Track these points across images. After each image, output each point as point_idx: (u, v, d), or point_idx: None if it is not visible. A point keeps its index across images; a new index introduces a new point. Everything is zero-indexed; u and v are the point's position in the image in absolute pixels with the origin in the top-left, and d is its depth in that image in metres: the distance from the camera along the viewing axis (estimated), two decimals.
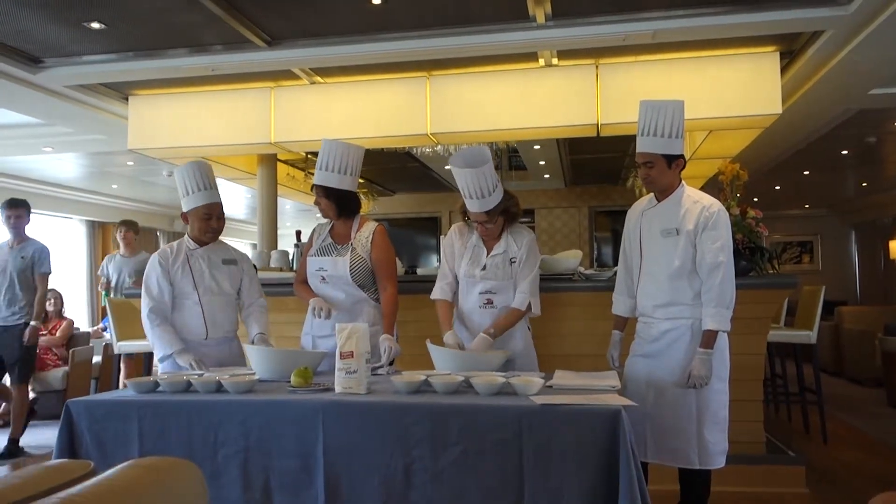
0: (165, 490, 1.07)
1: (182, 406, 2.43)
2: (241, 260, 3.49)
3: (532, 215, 12.40)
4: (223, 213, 3.38)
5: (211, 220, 3.33)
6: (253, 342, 3.31)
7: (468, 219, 3.27)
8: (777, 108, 5.02)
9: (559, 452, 2.12)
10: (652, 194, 3.08)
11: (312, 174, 9.41)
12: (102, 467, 1.16)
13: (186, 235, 3.40)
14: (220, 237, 3.47)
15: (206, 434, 2.37)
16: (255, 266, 3.65)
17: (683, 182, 3.02)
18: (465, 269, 3.27)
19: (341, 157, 3.37)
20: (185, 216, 3.37)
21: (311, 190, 3.45)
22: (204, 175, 3.31)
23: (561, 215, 12.48)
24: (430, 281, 3.44)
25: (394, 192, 12.42)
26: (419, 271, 4.73)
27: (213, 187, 3.33)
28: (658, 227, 2.98)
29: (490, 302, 3.23)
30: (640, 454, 2.14)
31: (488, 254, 3.25)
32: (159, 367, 3.30)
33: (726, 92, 5.04)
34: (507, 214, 3.23)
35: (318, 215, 3.58)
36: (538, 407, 2.17)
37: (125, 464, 1.09)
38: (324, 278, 3.36)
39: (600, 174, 10.93)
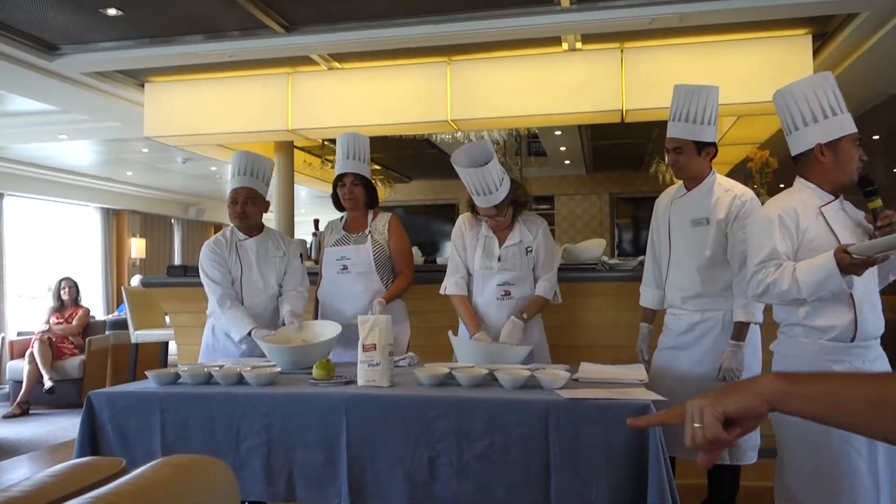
0: (196, 488, 1.08)
1: (204, 398, 2.45)
2: (288, 251, 3.51)
3: (552, 202, 12.36)
4: (254, 200, 3.40)
5: (236, 204, 3.38)
6: (283, 322, 3.34)
7: (476, 213, 3.24)
8: None
9: (587, 447, 2.12)
10: (681, 183, 3.05)
11: (329, 161, 9.44)
12: (124, 459, 1.18)
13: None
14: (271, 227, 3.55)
15: (228, 427, 2.39)
16: (301, 255, 3.65)
17: (714, 170, 2.99)
18: (479, 261, 3.22)
19: (361, 146, 3.48)
20: None
21: (341, 181, 3.46)
22: (243, 161, 3.40)
23: (581, 202, 12.42)
24: None
25: (410, 179, 12.41)
26: (439, 260, 4.73)
27: (247, 174, 3.39)
28: (688, 216, 2.95)
29: (508, 294, 3.19)
30: (669, 449, 2.12)
31: (501, 244, 3.22)
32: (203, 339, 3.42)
33: (756, 76, 4.96)
34: (515, 204, 3.19)
35: (331, 205, 3.61)
36: (565, 401, 2.16)
37: (155, 462, 1.10)
38: (345, 266, 3.39)
39: (623, 160, 10.85)
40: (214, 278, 3.32)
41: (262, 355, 3.19)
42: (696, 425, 1.01)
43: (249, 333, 3.20)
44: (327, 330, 3.18)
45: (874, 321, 2.42)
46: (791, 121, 2.51)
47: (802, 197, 2.47)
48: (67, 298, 7.39)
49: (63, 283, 7.43)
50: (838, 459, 2.33)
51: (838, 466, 2.33)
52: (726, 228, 2.86)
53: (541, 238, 3.22)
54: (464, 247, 3.30)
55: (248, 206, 3.38)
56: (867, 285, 2.40)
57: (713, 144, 2.93)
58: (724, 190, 2.91)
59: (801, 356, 2.46)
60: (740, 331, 2.82)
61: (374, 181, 3.60)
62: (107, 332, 7.52)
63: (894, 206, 2.41)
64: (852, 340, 2.39)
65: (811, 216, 2.43)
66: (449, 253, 3.40)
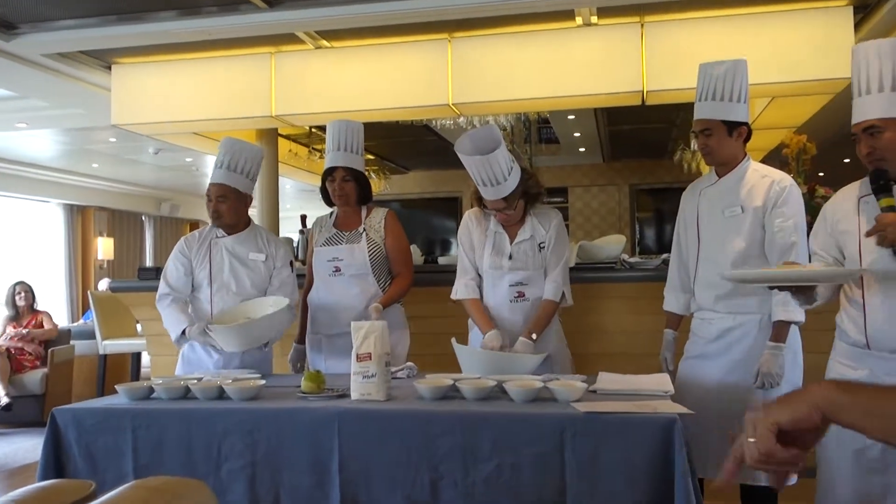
0: None
1: (181, 415, 2.45)
2: (274, 255, 3.47)
3: (565, 194, 12.36)
4: (225, 198, 3.38)
5: (211, 201, 3.39)
6: None
7: (484, 206, 3.25)
8: (849, 70, 4.91)
9: (606, 467, 2.11)
10: (711, 170, 3.04)
11: (317, 150, 9.43)
12: (93, 482, 1.17)
13: None
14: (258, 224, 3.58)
15: (208, 446, 2.38)
16: (292, 261, 3.61)
17: (748, 155, 2.98)
18: (488, 260, 3.23)
19: (354, 135, 3.46)
20: None
21: (331, 175, 3.45)
22: (222, 153, 3.40)
23: (598, 194, 12.42)
24: (453, 271, 3.42)
25: (408, 170, 12.40)
26: (441, 260, 4.73)
27: (224, 167, 3.38)
28: (720, 205, 2.94)
29: (522, 295, 3.20)
30: (698, 469, 2.12)
31: (512, 241, 3.22)
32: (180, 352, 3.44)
33: (791, 53, 4.95)
34: (527, 196, 3.20)
35: (319, 199, 3.60)
36: (582, 415, 2.16)
37: (128, 485, 1.09)
38: (338, 269, 3.38)
39: (643, 147, 10.86)
40: (168, 276, 3.38)
41: (240, 367, 3.24)
42: (751, 440, 1.04)
43: (184, 332, 3.25)
44: (266, 305, 3.25)
45: (891, 333, 2.34)
46: None
47: (856, 185, 2.55)
48: (24, 305, 7.36)
49: (17, 289, 7.40)
50: (878, 485, 2.34)
51: (878, 493, 2.34)
52: (763, 217, 2.84)
53: (552, 232, 3.23)
54: (471, 246, 3.31)
55: (220, 206, 3.38)
56: (888, 292, 2.35)
57: (745, 124, 2.92)
58: (761, 176, 2.90)
59: (833, 357, 2.59)
60: (780, 332, 2.79)
61: (367, 173, 3.59)
62: (71, 342, 7.50)
63: None
64: (869, 348, 2.41)
65: (848, 206, 2.50)
66: (456, 253, 3.40)
